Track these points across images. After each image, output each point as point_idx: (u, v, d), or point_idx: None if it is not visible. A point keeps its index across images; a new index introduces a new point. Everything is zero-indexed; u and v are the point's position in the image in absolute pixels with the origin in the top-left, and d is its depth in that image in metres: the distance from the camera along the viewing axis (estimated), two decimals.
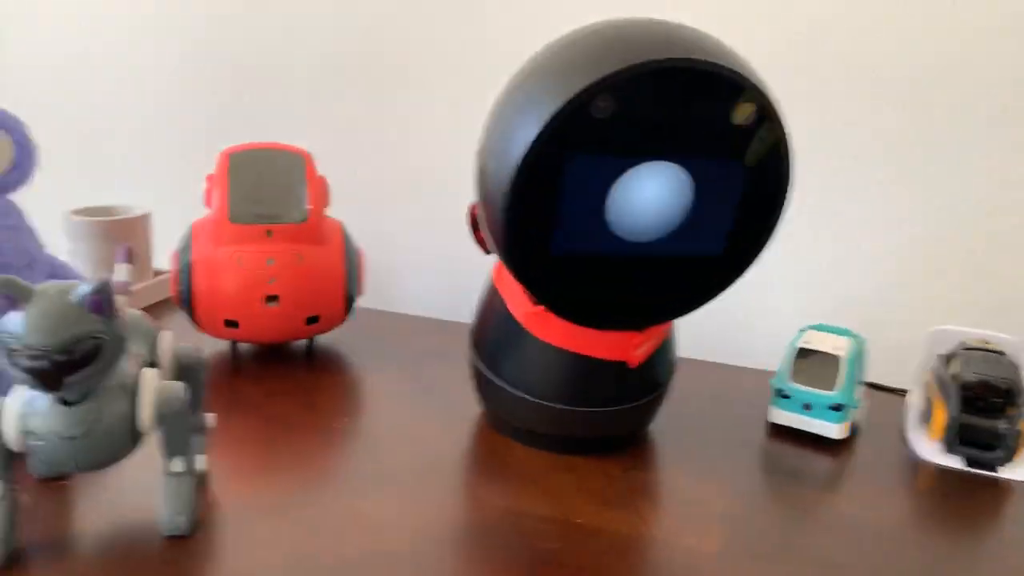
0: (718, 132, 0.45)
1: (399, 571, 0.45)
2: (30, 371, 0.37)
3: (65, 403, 0.41)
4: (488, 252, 0.62)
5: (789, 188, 0.48)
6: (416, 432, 0.61)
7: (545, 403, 0.56)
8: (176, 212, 1.01)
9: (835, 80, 0.77)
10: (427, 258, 0.96)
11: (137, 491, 0.50)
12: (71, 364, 0.38)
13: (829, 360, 0.62)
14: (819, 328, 0.66)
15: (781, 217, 0.50)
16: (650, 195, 0.46)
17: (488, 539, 0.48)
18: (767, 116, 0.45)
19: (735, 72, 0.43)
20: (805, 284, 0.83)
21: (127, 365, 0.43)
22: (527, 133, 0.44)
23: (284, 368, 0.72)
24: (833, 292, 0.83)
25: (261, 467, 0.55)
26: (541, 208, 0.46)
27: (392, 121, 0.93)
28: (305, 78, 0.95)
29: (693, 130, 0.45)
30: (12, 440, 0.41)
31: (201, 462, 0.48)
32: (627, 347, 0.54)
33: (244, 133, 0.98)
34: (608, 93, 0.43)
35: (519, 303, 0.55)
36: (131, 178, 1.09)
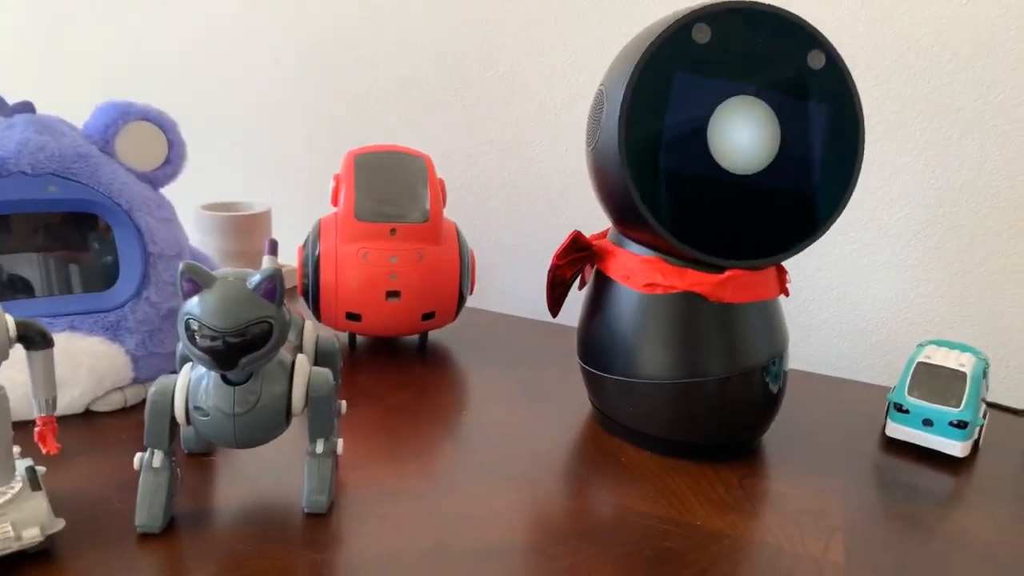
0: (798, 74, 0.53)
1: (529, 562, 0.46)
2: (207, 351, 0.41)
3: (229, 382, 0.44)
4: (555, 315, 0.68)
5: (862, 130, 0.54)
6: (528, 428, 0.63)
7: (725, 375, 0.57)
8: (287, 208, 1.06)
9: (960, 95, 0.75)
10: (524, 259, 0.98)
11: (272, 470, 0.54)
12: (243, 346, 0.41)
13: (951, 376, 0.61)
14: (940, 343, 0.65)
15: (861, 158, 0.54)
16: (743, 130, 0.53)
17: (609, 535, 0.49)
18: (834, 60, 0.53)
19: (804, 21, 0.53)
20: (919, 299, 0.81)
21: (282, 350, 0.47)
22: (639, 58, 0.53)
23: (399, 361, 0.74)
24: (948, 308, 0.80)
25: (386, 454, 0.58)
26: (652, 121, 0.53)
27: (496, 124, 0.95)
28: (419, 82, 0.98)
29: (777, 69, 0.53)
30: (180, 414, 0.45)
31: (339, 445, 0.51)
32: (782, 281, 0.60)
33: (352, 135, 1.03)
34: (705, 22, 0.52)
35: (698, 280, 0.56)
36: (241, 174, 1.15)
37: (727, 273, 0.55)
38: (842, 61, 0.53)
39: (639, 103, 0.53)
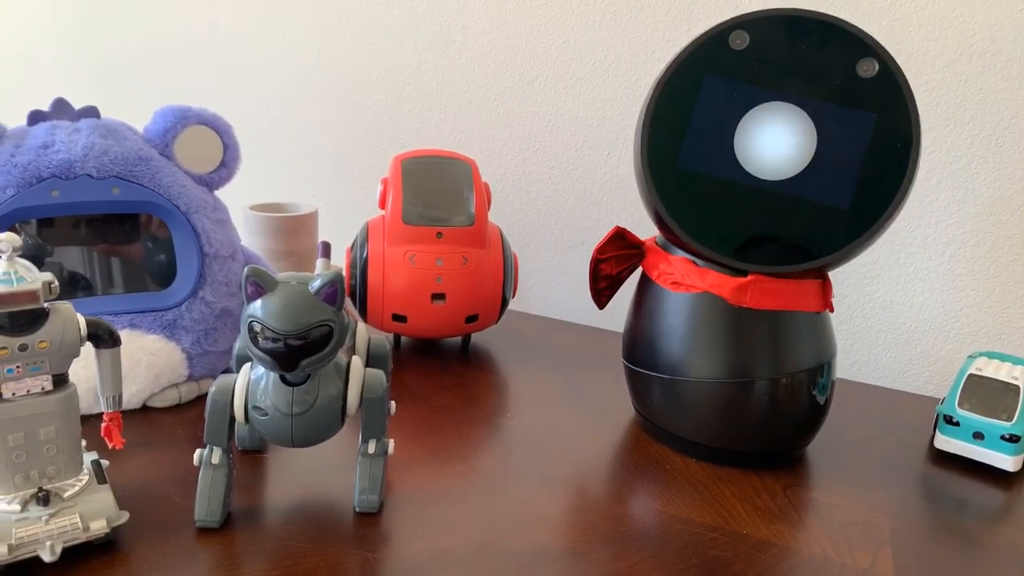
0: (844, 83, 0.52)
1: (575, 567, 0.47)
2: (269, 352, 0.42)
3: (287, 383, 0.45)
4: (602, 307, 0.67)
5: (916, 148, 0.52)
6: (571, 432, 0.63)
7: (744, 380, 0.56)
8: (327, 208, 1.08)
9: (1014, 102, 0.74)
10: (567, 263, 0.98)
11: (322, 469, 0.55)
12: (305, 348, 0.42)
13: (1002, 389, 0.60)
14: (991, 356, 0.64)
15: (910, 178, 0.52)
16: (775, 135, 0.53)
17: (655, 542, 0.49)
18: (889, 70, 0.51)
19: (856, 29, 0.52)
20: (967, 308, 0.80)
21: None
22: (671, 62, 0.54)
23: (442, 362, 0.75)
24: (997, 318, 0.79)
25: (432, 456, 0.58)
26: (676, 122, 0.54)
27: (539, 128, 0.96)
28: (462, 85, 0.99)
29: (819, 77, 0.52)
30: (240, 413, 0.46)
31: (390, 446, 0.51)
32: (826, 295, 0.57)
33: (394, 138, 1.04)
34: (743, 29, 0.53)
35: (718, 282, 0.56)
36: (282, 175, 1.17)
37: (749, 277, 0.54)
38: (900, 71, 0.52)
39: (665, 104, 0.54)
